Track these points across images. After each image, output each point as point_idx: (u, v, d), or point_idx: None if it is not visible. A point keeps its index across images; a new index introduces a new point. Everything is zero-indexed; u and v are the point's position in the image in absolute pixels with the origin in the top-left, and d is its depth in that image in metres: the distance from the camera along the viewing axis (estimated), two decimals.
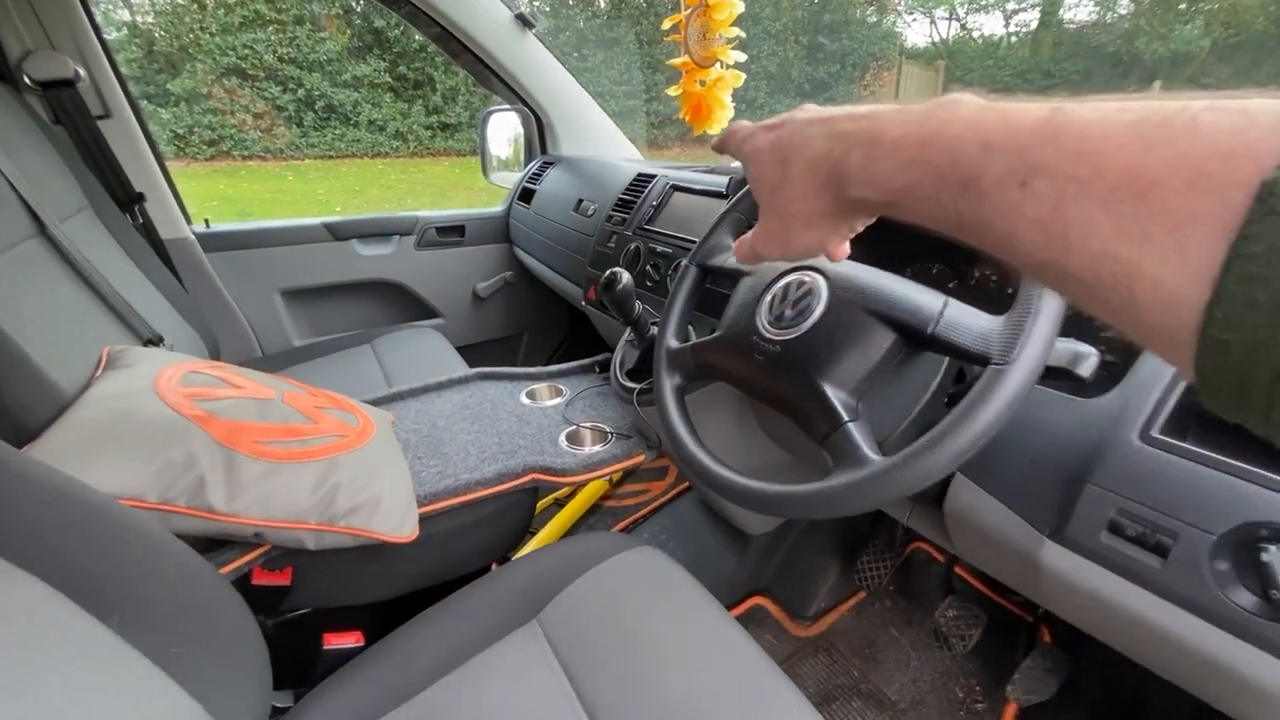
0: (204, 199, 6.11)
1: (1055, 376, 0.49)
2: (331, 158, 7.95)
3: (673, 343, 0.72)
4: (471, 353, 1.81)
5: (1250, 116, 0.17)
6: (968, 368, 0.59)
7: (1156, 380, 0.50)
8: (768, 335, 0.59)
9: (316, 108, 7.77)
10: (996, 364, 0.43)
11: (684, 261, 0.74)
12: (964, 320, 0.48)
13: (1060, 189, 0.20)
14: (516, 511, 1.02)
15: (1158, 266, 0.17)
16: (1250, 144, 0.16)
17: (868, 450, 0.50)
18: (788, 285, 0.60)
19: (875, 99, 9.61)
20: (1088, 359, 0.49)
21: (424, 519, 0.90)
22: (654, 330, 0.94)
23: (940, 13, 9.89)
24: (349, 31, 7.87)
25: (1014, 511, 0.55)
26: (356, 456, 0.87)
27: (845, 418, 0.52)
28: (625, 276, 0.87)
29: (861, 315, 0.54)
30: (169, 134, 7.24)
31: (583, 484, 0.99)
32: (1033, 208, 0.20)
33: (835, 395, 0.53)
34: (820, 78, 9.15)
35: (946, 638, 1.12)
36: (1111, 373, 0.52)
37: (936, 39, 10.22)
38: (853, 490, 0.48)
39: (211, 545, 0.79)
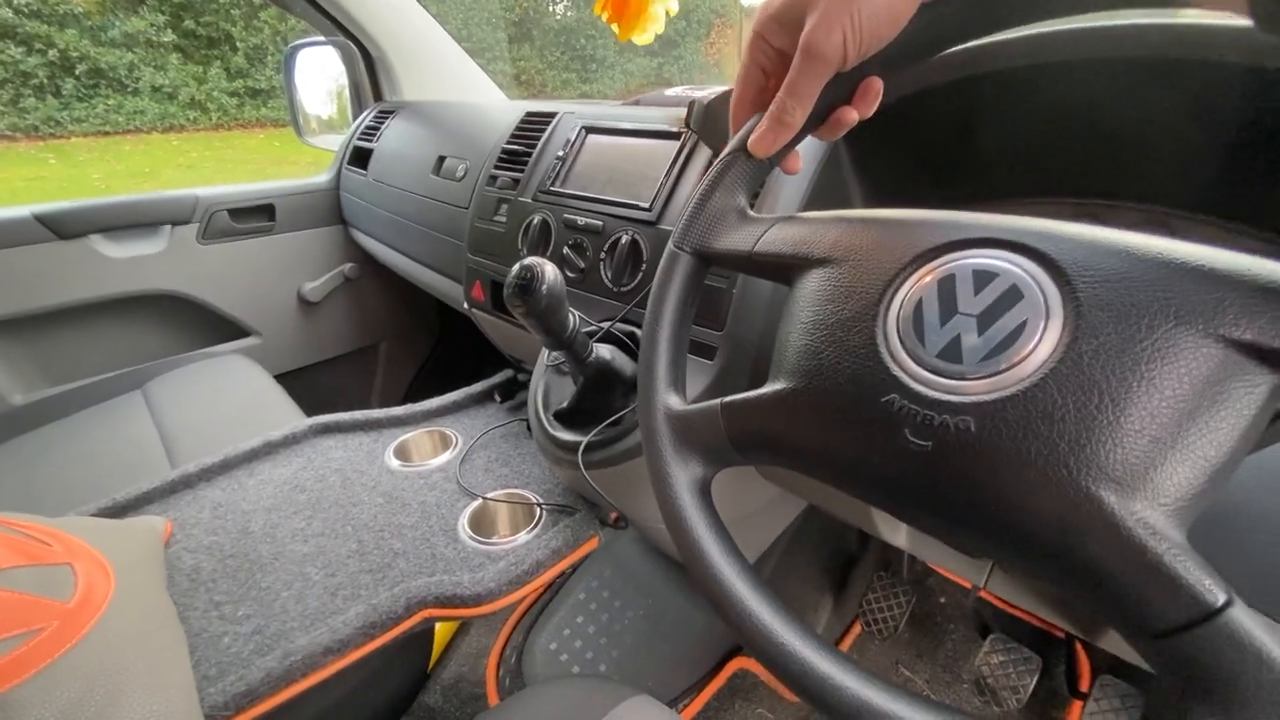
0: None
1: None
2: (108, 134, 6.75)
3: (672, 400, 0.37)
4: (306, 382, 1.33)
5: None
6: None
7: None
8: (932, 390, 0.26)
9: (78, 72, 6.48)
10: None
11: (669, 246, 0.39)
12: None
13: None
14: (404, 661, 0.63)
15: None
16: None
17: None
18: (950, 280, 0.28)
19: (720, 55, 9.69)
20: None
21: None
22: (597, 352, 0.58)
23: None
24: None
25: None
26: (57, 675, 0.44)
27: (1217, 596, 0.21)
28: (550, 272, 0.51)
29: (1172, 334, 0.23)
30: None
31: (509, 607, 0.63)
32: None
33: (1152, 525, 0.22)
34: (668, 35, 9.02)
35: (995, 690, 0.89)
36: None
37: None
38: None
39: None
